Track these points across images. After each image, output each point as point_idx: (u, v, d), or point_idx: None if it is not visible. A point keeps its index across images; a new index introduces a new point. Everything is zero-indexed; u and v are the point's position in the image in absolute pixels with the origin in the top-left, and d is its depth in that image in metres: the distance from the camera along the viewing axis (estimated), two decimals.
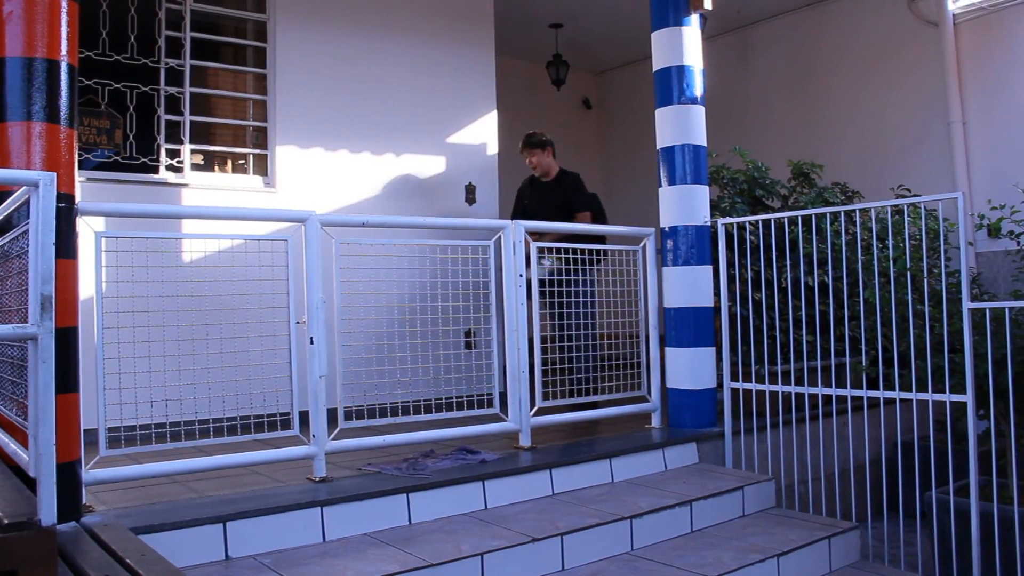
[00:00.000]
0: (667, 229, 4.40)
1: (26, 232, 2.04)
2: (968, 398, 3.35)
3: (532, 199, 5.39)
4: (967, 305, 3.38)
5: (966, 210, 3.46)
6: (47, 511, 1.85)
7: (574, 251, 4.24)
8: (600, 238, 4.67)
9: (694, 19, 4.42)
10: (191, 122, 4.79)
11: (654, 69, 4.48)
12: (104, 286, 2.85)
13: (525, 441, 3.82)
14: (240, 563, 2.67)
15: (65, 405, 2.32)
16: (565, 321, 4.41)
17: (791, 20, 7.42)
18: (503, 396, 3.89)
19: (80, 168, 3.12)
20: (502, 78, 6.06)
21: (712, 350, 4.34)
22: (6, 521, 1.76)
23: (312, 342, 3.19)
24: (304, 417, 3.22)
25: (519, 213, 5.33)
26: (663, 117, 4.43)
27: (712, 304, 4.36)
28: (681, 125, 4.36)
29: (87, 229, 2.78)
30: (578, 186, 5.36)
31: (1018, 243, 4.28)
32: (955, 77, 6.26)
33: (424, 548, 2.79)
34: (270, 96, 5.03)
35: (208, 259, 3.93)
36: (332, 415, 3.33)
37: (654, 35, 4.48)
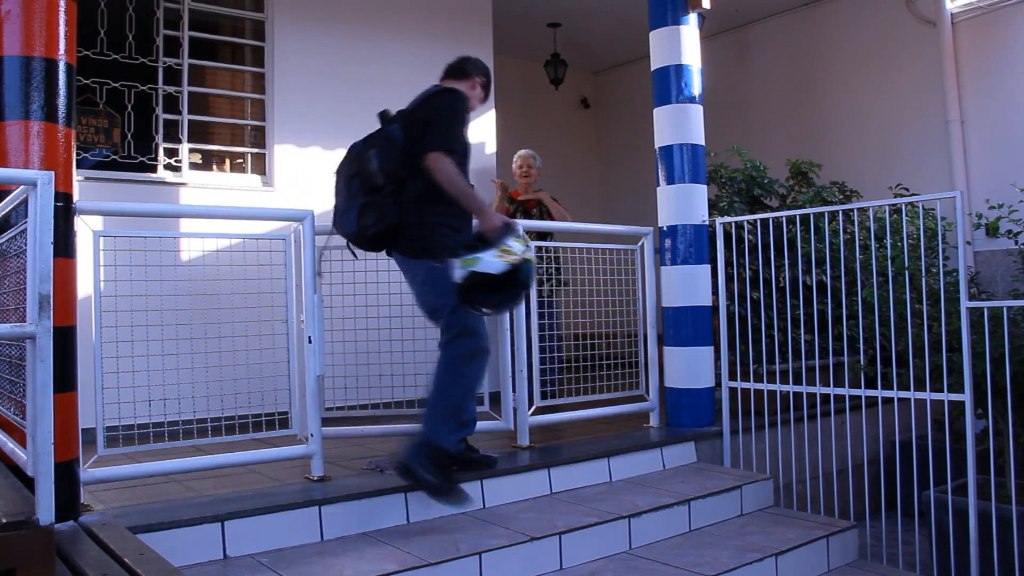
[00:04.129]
0: (665, 228, 4.40)
1: (24, 231, 2.03)
2: (966, 397, 3.36)
3: None
4: (965, 304, 3.39)
5: (964, 209, 3.46)
6: (45, 510, 1.85)
7: None
8: None
9: (692, 18, 4.43)
10: (189, 121, 4.79)
11: (652, 68, 4.48)
12: (102, 285, 2.85)
13: (523, 440, 3.82)
14: (238, 562, 2.67)
15: (63, 404, 2.31)
16: None
17: (789, 19, 7.43)
18: (499, 395, 3.90)
19: (78, 167, 3.12)
20: (500, 77, 6.04)
21: (710, 349, 4.34)
22: (4, 520, 1.76)
23: (310, 341, 3.18)
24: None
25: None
26: (661, 116, 4.43)
27: (710, 303, 4.36)
28: (679, 124, 4.36)
29: (85, 228, 2.78)
30: None
31: (1016, 242, 4.29)
32: (953, 76, 6.26)
33: (422, 547, 2.79)
34: (268, 95, 5.03)
35: (206, 258, 3.94)
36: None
37: (652, 34, 4.48)
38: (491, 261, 2.93)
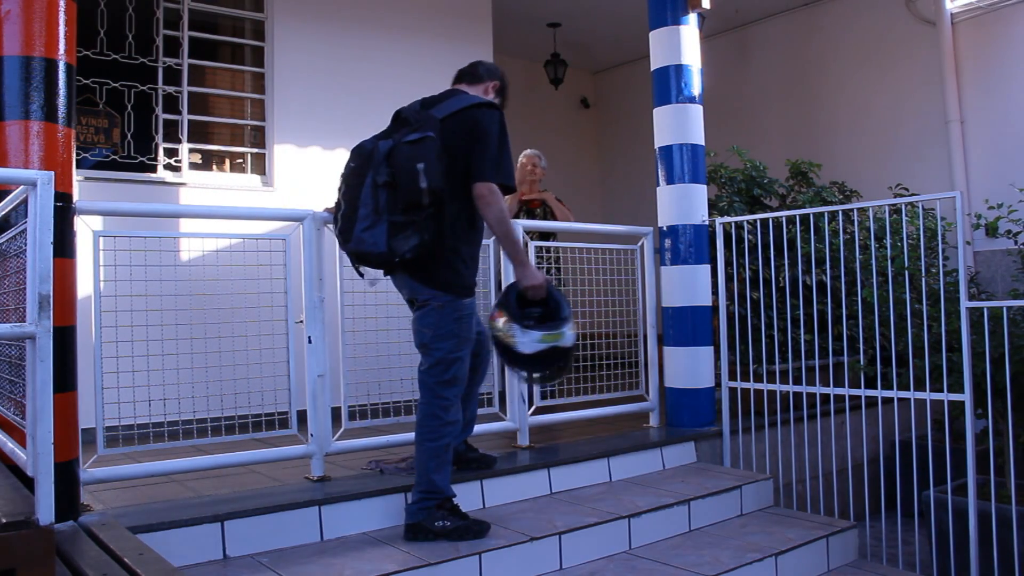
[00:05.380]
0: (665, 228, 4.40)
1: (24, 231, 2.04)
2: (966, 397, 3.36)
3: None
4: (965, 304, 3.39)
5: (964, 209, 3.46)
6: (45, 510, 1.85)
7: None
8: None
9: (692, 18, 4.43)
10: (189, 121, 4.79)
11: (652, 68, 4.48)
12: (102, 285, 2.85)
13: (523, 440, 3.82)
14: (238, 562, 2.67)
15: (63, 404, 2.32)
16: None
17: (789, 19, 7.43)
18: (501, 395, 3.90)
19: (78, 167, 3.11)
20: None
21: (710, 349, 4.34)
22: (4, 520, 1.76)
23: (310, 341, 3.18)
24: (302, 416, 3.22)
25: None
26: (661, 116, 4.43)
27: (710, 303, 4.36)
28: (679, 124, 4.36)
29: (85, 228, 2.78)
30: None
31: (1016, 242, 4.29)
32: (953, 76, 6.26)
33: (422, 547, 2.79)
34: (268, 95, 5.03)
35: (206, 258, 3.93)
36: (334, 414, 3.33)
37: (652, 34, 4.48)
38: (570, 335, 2.82)
